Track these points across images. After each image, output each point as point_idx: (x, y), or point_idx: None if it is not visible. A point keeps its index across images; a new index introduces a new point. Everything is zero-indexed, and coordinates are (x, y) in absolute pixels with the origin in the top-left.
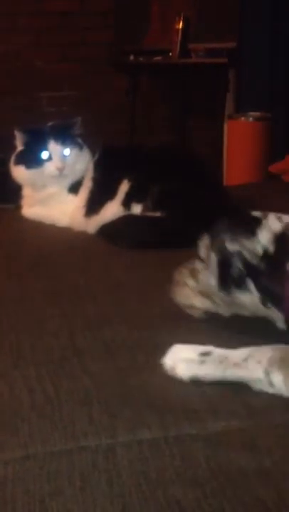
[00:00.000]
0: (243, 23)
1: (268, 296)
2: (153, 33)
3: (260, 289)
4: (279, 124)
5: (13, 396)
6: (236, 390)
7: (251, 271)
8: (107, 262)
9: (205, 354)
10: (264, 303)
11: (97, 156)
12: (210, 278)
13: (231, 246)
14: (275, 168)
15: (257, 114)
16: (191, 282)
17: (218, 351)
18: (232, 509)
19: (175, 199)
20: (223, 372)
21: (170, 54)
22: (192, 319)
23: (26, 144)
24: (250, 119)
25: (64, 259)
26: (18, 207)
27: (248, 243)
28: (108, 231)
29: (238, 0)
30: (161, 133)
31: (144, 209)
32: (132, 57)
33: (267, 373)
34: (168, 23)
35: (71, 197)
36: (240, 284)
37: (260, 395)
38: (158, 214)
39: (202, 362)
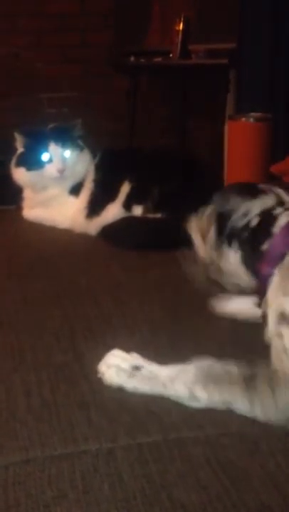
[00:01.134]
0: (243, 24)
1: (248, 262)
2: (153, 34)
3: (243, 250)
4: (279, 125)
5: (12, 400)
6: None
7: (237, 232)
8: (108, 263)
9: (136, 368)
10: (244, 261)
11: (98, 157)
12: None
13: (230, 204)
14: (275, 168)
15: (257, 114)
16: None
17: (149, 368)
18: (236, 510)
19: (175, 201)
20: (151, 388)
21: (170, 55)
22: (194, 320)
23: (27, 146)
24: (251, 119)
25: (65, 260)
26: (19, 208)
27: (243, 206)
28: (109, 232)
29: (239, 1)
30: (162, 134)
31: (145, 210)
32: (132, 58)
33: (191, 393)
34: (168, 23)
35: (72, 199)
36: (230, 241)
37: None
38: (159, 215)
39: (132, 375)
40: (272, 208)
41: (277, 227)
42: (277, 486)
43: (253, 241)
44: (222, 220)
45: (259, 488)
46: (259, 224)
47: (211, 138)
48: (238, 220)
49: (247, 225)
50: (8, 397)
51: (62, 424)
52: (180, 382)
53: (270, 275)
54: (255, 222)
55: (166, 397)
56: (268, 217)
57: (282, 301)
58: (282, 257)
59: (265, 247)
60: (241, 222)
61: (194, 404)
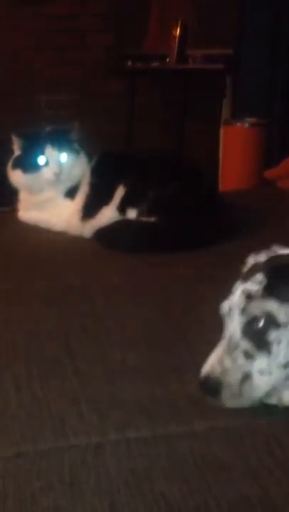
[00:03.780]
0: (241, 30)
1: None
2: (152, 38)
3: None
4: (274, 130)
5: (3, 395)
6: None
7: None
8: (102, 265)
9: None
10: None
11: (94, 161)
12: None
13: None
14: (270, 174)
15: (253, 119)
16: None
17: None
18: (216, 505)
19: (170, 204)
20: None
21: (167, 59)
22: (187, 320)
23: (23, 149)
24: (246, 124)
25: (60, 261)
26: (14, 210)
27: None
28: (103, 235)
29: (237, 6)
30: (159, 137)
31: (139, 214)
32: (129, 63)
33: None
34: (166, 28)
35: (67, 201)
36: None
37: None
38: (153, 219)
39: None
40: None
41: None
42: (256, 478)
43: None
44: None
45: (240, 481)
46: None
47: (208, 142)
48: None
49: None
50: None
51: (53, 420)
52: None
53: None
54: None
55: None
56: None
57: None
58: None
59: None
60: None
61: None
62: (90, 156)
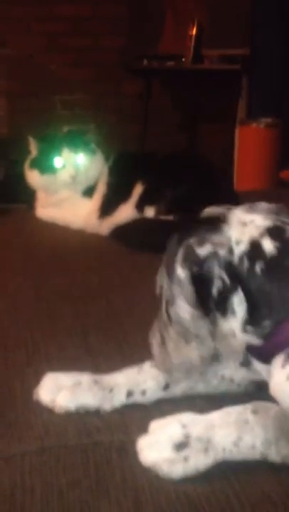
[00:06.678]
0: (256, 30)
1: (259, 305)
2: (167, 38)
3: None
4: None
5: (26, 392)
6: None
7: (236, 276)
8: (119, 263)
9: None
10: (243, 327)
11: (111, 160)
12: (182, 310)
13: (201, 250)
14: (285, 174)
15: (268, 120)
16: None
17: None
18: (239, 503)
19: (188, 203)
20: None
21: (183, 59)
22: None
23: (40, 151)
24: (262, 125)
25: (77, 259)
26: (30, 207)
27: (217, 239)
28: (121, 233)
29: (251, 6)
30: (173, 138)
31: (157, 212)
32: (145, 62)
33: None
34: (182, 28)
35: (85, 200)
36: (224, 306)
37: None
38: (171, 217)
39: (180, 459)
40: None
41: None
42: (278, 477)
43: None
44: (202, 280)
45: (262, 481)
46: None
47: (222, 143)
48: (230, 256)
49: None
50: (22, 389)
51: (75, 416)
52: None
53: None
54: (269, 245)
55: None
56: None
57: None
58: None
59: None
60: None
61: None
62: (107, 156)
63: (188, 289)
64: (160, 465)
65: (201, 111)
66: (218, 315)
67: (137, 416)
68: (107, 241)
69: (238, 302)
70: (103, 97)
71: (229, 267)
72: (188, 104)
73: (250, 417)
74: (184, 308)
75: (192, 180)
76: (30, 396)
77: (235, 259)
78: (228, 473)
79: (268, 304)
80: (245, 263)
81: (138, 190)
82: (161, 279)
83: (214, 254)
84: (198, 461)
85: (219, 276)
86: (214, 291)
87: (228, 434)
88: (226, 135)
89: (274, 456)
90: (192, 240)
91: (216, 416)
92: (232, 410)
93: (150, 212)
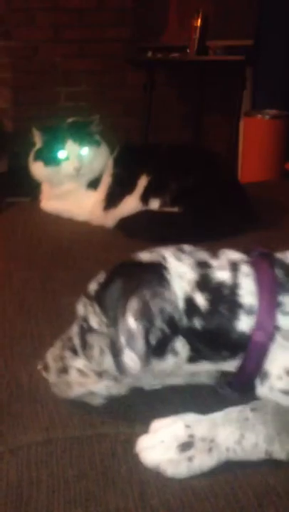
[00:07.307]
0: (261, 21)
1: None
2: (171, 29)
3: (198, 350)
4: None
5: (33, 383)
6: None
7: (179, 330)
8: (125, 254)
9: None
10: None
11: (116, 152)
12: (129, 359)
13: (154, 305)
14: None
15: (273, 111)
16: (78, 363)
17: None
18: (244, 494)
19: (193, 195)
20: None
21: (187, 51)
22: None
23: (44, 143)
24: (267, 116)
25: (83, 251)
26: (34, 200)
27: (168, 294)
28: (126, 225)
29: None
30: (177, 129)
31: (162, 204)
32: (149, 54)
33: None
34: (186, 19)
35: (90, 192)
36: (161, 352)
37: None
38: (175, 209)
39: (184, 459)
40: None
41: (248, 288)
42: (282, 469)
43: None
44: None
45: (267, 472)
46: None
47: (225, 134)
48: (175, 312)
49: (190, 309)
50: (29, 381)
51: (80, 408)
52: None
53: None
54: (202, 300)
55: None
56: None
57: None
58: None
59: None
60: (179, 312)
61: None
62: (111, 148)
63: (140, 342)
64: (164, 466)
65: (206, 102)
66: (153, 359)
67: (141, 409)
68: (112, 233)
69: (181, 346)
70: (107, 89)
71: (172, 322)
72: (192, 96)
73: (250, 414)
74: (133, 359)
75: (197, 171)
76: (36, 387)
77: (177, 315)
78: (232, 465)
79: (213, 343)
80: (184, 320)
81: (143, 182)
82: (86, 311)
83: (162, 310)
84: (202, 461)
85: (160, 328)
86: (152, 340)
87: (230, 432)
88: (231, 126)
89: (279, 452)
90: (146, 293)
91: (217, 415)
92: (232, 410)
93: (155, 204)
